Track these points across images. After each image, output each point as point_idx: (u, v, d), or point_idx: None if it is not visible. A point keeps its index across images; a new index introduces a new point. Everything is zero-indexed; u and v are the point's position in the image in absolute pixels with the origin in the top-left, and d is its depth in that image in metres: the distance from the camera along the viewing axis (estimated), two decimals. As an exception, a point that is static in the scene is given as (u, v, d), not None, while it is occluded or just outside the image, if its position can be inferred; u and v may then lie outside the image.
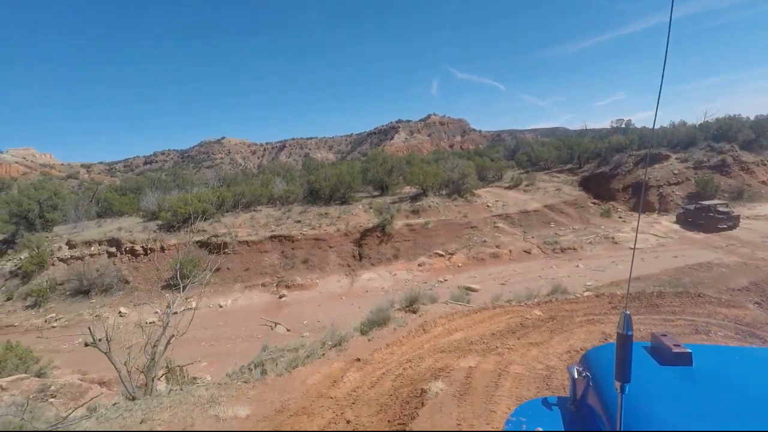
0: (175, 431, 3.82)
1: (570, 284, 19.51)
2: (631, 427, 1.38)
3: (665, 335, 1.83)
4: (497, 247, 27.33)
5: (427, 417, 4.10)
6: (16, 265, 28.12)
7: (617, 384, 1.39)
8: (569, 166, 45.67)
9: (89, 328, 6.67)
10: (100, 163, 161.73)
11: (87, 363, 17.27)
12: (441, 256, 26.84)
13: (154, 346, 5.77)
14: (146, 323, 21.81)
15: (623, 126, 51.39)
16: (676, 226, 28.40)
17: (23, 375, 10.50)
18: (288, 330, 18.36)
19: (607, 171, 37.32)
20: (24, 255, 28.33)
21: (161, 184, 41.02)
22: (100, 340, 20.75)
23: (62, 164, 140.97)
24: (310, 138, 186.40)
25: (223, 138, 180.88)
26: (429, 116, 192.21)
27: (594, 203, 33.14)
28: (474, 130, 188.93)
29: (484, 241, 28.23)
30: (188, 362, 16.24)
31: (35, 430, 3.99)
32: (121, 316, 22.65)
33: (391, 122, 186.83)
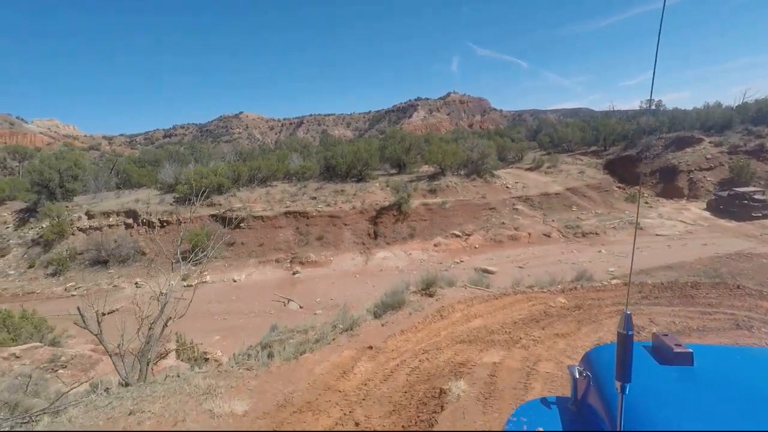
0: None
1: (592, 270, 18.79)
2: (631, 427, 1.36)
3: (666, 335, 1.80)
4: (516, 229, 26.63)
5: (448, 424, 3.66)
6: (38, 234, 28.61)
7: (618, 384, 1.37)
8: (593, 148, 44.01)
9: (78, 308, 6.38)
10: (121, 135, 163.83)
11: (104, 332, 17.52)
12: (458, 236, 26.28)
13: (150, 328, 5.42)
14: (161, 294, 22.05)
15: (653, 107, 49.14)
16: (707, 213, 27.14)
17: (37, 344, 10.50)
18: (301, 307, 18.21)
19: (634, 154, 35.80)
20: (45, 224, 28.76)
21: (179, 157, 41.06)
22: (114, 311, 20.96)
23: (85, 136, 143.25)
24: (328, 114, 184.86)
25: (241, 113, 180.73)
26: (449, 94, 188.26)
27: (619, 187, 31.90)
28: (494, 109, 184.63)
29: (503, 222, 27.52)
30: (201, 336, 16.30)
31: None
32: (137, 287, 22.89)
33: (409, 100, 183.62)
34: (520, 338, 6.14)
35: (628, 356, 1.37)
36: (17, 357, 10.40)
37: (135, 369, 5.36)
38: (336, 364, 5.30)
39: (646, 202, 30.15)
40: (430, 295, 8.60)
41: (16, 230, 30.29)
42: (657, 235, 23.52)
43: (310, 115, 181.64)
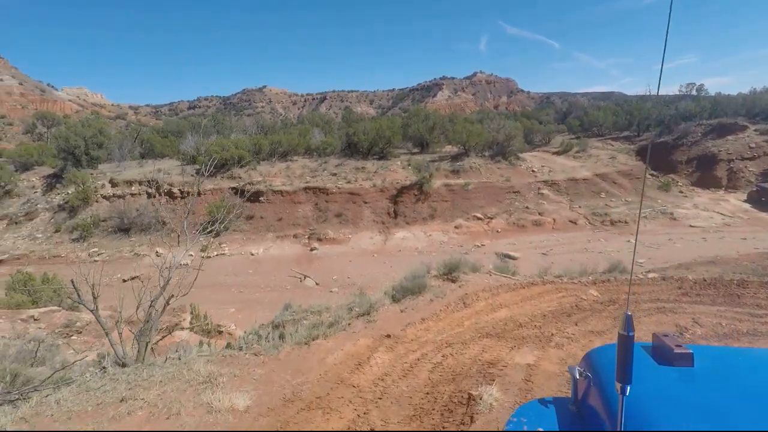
0: None
1: (620, 260, 18.06)
2: (631, 428, 1.35)
3: (666, 335, 1.79)
4: (540, 214, 25.76)
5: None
6: (64, 199, 29.12)
7: (618, 385, 1.36)
8: (626, 133, 42.10)
9: (72, 282, 6.11)
10: (147, 105, 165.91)
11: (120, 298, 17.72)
12: (479, 219, 25.60)
13: (151, 305, 5.11)
14: (180, 264, 22.21)
15: (693, 92, 46.49)
16: (747, 206, 25.65)
17: (55, 308, 10.51)
18: (317, 284, 18.02)
19: (670, 141, 34.00)
20: (71, 190, 29.23)
21: (201, 129, 41.04)
22: (134, 278, 21.16)
23: (112, 104, 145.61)
24: (351, 91, 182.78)
25: (265, 87, 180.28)
26: (475, 74, 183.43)
27: (652, 175, 30.42)
28: (521, 90, 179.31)
29: (527, 207, 26.65)
30: (217, 307, 16.29)
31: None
32: (157, 255, 23.07)
33: (434, 79, 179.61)
34: (553, 335, 5.61)
35: (629, 357, 1.36)
36: (35, 320, 10.44)
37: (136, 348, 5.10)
38: (350, 354, 4.88)
39: (680, 192, 28.72)
40: (453, 281, 8.06)
41: (44, 195, 30.95)
42: (691, 226, 22.35)
43: (333, 91, 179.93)
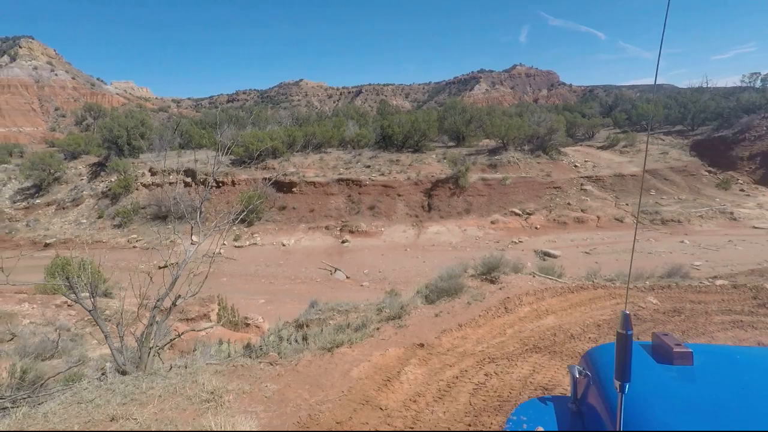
0: None
1: (670, 262, 16.66)
2: (631, 427, 1.35)
3: (666, 334, 1.75)
4: (583, 211, 24.36)
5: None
6: (107, 187, 30.12)
7: (617, 383, 1.36)
8: (678, 127, 39.39)
9: (67, 278, 5.76)
10: (189, 98, 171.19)
11: (157, 284, 17.97)
12: (517, 215, 24.48)
13: (155, 306, 4.60)
14: (214, 253, 22.43)
15: (758, 83, 42.87)
16: (818, 207, 23.28)
17: (87, 294, 10.52)
18: (347, 277, 17.63)
19: (730, 135, 31.42)
20: (113, 178, 30.20)
21: (238, 121, 41.56)
22: (170, 265, 21.49)
23: (156, 98, 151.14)
24: (387, 84, 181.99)
25: (301, 80, 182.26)
26: (514, 66, 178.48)
27: (708, 171, 28.17)
28: (563, 83, 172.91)
29: (568, 203, 25.28)
30: (247, 297, 16.19)
31: None
32: (192, 244, 23.34)
33: (472, 72, 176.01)
34: (612, 350, 4.85)
35: (628, 356, 1.35)
36: (69, 305, 10.51)
37: (143, 353, 4.68)
38: (378, 367, 4.27)
39: (742, 190, 26.43)
40: (492, 282, 7.27)
41: (89, 182, 32.16)
42: (755, 227, 20.42)
43: (369, 85, 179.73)
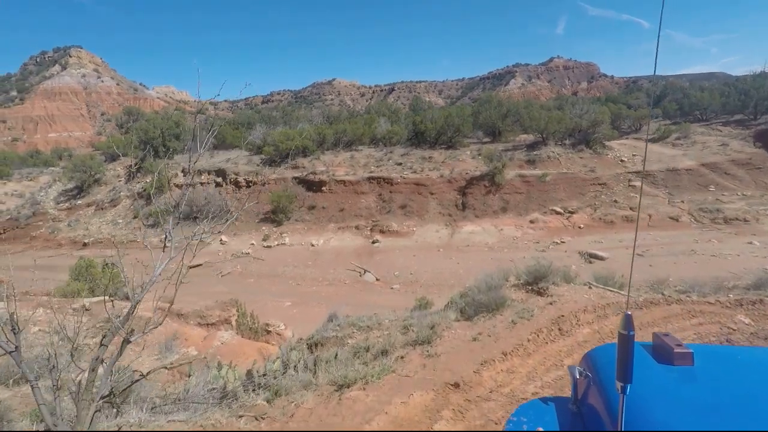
0: None
1: (741, 266, 14.85)
2: (632, 427, 1.35)
3: (667, 335, 1.74)
4: (632, 209, 22.48)
5: None
6: (142, 188, 30.67)
7: (618, 384, 1.37)
8: (737, 117, 36.23)
9: None
10: (225, 101, 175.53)
11: (184, 285, 17.75)
12: (558, 213, 22.90)
13: (101, 343, 3.22)
14: (242, 253, 22.17)
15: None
16: None
17: (105, 297, 10.15)
18: (377, 279, 16.79)
19: (799, 124, 28.41)
20: (148, 179, 30.71)
21: (270, 120, 41.62)
22: (198, 265, 21.24)
23: (195, 101, 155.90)
24: (420, 81, 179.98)
25: (334, 79, 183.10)
26: (551, 59, 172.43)
27: (777, 164, 25.44)
28: (604, 75, 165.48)
29: (615, 201, 23.44)
30: (273, 300, 15.61)
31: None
32: (222, 243, 23.23)
33: (507, 66, 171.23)
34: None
35: (629, 356, 1.36)
36: (87, 309, 10.16)
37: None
38: (398, 422, 3.33)
39: (815, 186, 23.67)
40: (540, 294, 6.19)
41: (126, 183, 32.91)
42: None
43: (401, 82, 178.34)
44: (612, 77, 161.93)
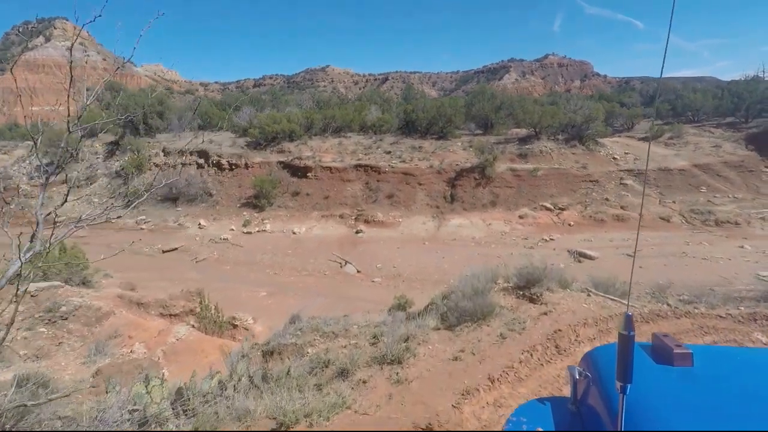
0: None
1: (733, 271, 14.48)
2: (631, 428, 1.35)
3: (666, 335, 1.72)
4: (623, 208, 22.10)
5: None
6: (120, 166, 29.43)
7: (618, 384, 1.37)
8: (729, 119, 36.09)
9: None
10: (216, 82, 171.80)
11: (155, 270, 16.86)
12: (548, 209, 22.41)
13: None
14: (220, 239, 21.28)
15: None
16: None
17: (57, 283, 9.29)
18: (358, 271, 16.10)
19: (791, 129, 28.24)
20: (128, 157, 29.46)
21: (258, 102, 40.37)
22: (174, 249, 20.31)
23: (185, 81, 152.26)
24: (414, 72, 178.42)
25: (328, 66, 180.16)
26: (546, 56, 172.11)
27: (768, 168, 25.26)
28: (597, 74, 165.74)
29: (606, 199, 23.04)
30: (248, 289, 14.83)
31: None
32: (200, 228, 22.30)
33: (502, 61, 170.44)
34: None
35: (629, 357, 1.35)
36: (33, 296, 9.29)
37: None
38: None
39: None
40: (532, 301, 5.49)
41: (104, 161, 31.57)
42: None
43: (396, 72, 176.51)
44: (605, 76, 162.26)
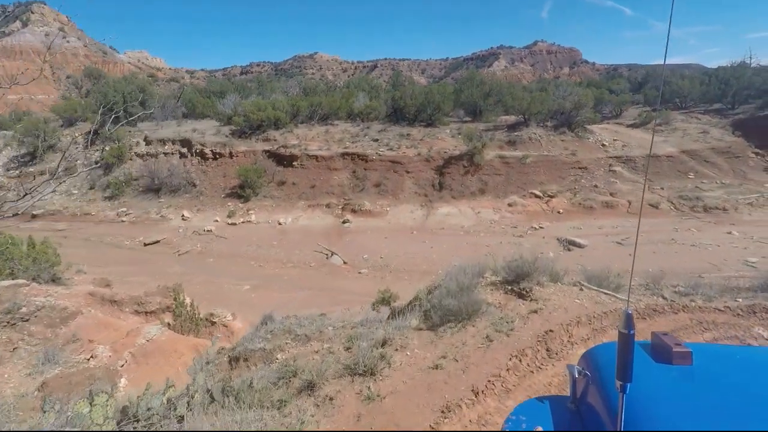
0: None
1: (721, 257, 14.42)
2: (631, 427, 1.34)
3: (666, 334, 1.71)
4: (612, 195, 21.99)
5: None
6: (100, 156, 28.53)
7: (618, 383, 1.36)
8: (716, 106, 36.13)
9: None
10: (203, 70, 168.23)
11: (135, 264, 16.32)
12: (537, 197, 22.23)
13: None
14: (204, 230, 20.73)
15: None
16: None
17: (21, 281, 8.79)
18: (345, 262, 15.77)
19: (778, 114, 28.28)
20: (108, 147, 28.57)
21: (243, 90, 39.42)
22: (156, 242, 19.73)
23: (170, 68, 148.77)
24: (403, 59, 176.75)
25: (316, 53, 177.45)
26: (535, 43, 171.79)
27: (756, 153, 25.26)
28: (585, 61, 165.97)
29: (595, 186, 22.92)
30: (231, 282, 14.42)
31: None
32: (183, 219, 21.72)
33: (491, 48, 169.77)
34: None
35: (630, 355, 1.35)
36: (-2, 293, 8.79)
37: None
38: None
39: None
40: (521, 296, 5.11)
41: (84, 150, 30.60)
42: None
43: (385, 60, 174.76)
44: (594, 64, 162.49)
